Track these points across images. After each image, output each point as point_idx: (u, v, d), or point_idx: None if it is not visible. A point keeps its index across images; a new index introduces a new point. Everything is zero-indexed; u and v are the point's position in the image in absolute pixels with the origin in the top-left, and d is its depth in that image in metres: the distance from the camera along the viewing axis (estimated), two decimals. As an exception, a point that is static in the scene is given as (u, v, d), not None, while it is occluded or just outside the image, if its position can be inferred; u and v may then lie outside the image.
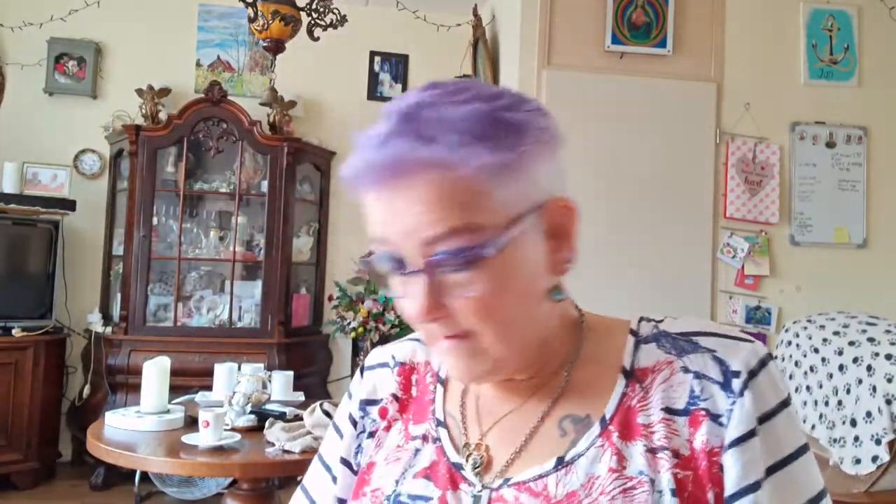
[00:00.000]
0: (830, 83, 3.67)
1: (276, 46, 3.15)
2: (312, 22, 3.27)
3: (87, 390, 3.89)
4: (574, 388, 0.69)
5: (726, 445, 0.62)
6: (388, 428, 0.76)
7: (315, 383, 4.24)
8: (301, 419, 2.27)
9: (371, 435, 0.76)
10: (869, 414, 2.23)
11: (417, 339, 0.80)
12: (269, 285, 4.01)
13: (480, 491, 0.67)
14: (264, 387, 2.49)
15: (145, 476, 3.53)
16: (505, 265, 0.62)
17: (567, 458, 0.65)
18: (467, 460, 0.69)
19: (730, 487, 0.62)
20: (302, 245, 4.34)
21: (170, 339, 3.85)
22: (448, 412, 0.74)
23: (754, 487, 0.62)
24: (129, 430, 2.31)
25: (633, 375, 0.68)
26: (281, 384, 2.70)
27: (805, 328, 2.67)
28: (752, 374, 0.64)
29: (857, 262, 3.63)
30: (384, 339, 4.22)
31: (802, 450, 0.65)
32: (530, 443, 0.68)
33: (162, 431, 2.30)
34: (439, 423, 0.73)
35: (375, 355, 0.82)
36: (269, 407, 2.45)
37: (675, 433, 0.63)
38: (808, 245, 3.61)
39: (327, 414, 2.17)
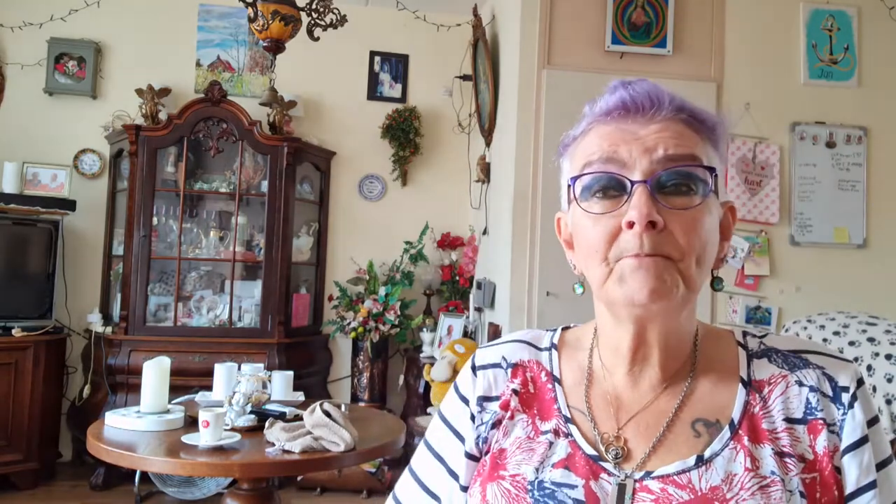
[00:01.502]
0: (830, 83, 3.67)
1: (276, 46, 3.15)
2: (312, 22, 3.27)
3: (87, 390, 3.89)
4: (697, 392, 0.78)
5: (843, 450, 0.73)
6: (511, 417, 0.81)
7: (315, 383, 4.24)
8: (301, 419, 2.27)
9: (495, 426, 0.82)
10: (869, 414, 2.23)
11: (519, 341, 0.87)
12: (269, 285, 4.01)
13: (624, 480, 0.73)
14: (264, 387, 2.49)
15: (145, 476, 3.53)
16: (705, 210, 0.73)
17: (706, 456, 0.73)
18: (607, 450, 0.76)
19: (850, 486, 0.72)
20: (302, 245, 4.34)
21: (170, 339, 3.85)
22: (573, 408, 0.80)
23: (871, 486, 0.72)
24: (129, 430, 2.31)
25: (752, 386, 0.77)
26: (281, 384, 2.70)
27: (805, 328, 2.67)
28: (857, 389, 0.75)
29: (857, 262, 3.63)
30: (384, 339, 4.22)
31: (893, 454, 0.76)
32: (666, 440, 0.75)
33: (162, 431, 2.31)
34: (567, 420, 0.79)
35: (485, 356, 0.87)
36: (269, 407, 2.45)
37: (798, 440, 0.73)
38: (808, 245, 3.61)
39: (327, 414, 2.17)
